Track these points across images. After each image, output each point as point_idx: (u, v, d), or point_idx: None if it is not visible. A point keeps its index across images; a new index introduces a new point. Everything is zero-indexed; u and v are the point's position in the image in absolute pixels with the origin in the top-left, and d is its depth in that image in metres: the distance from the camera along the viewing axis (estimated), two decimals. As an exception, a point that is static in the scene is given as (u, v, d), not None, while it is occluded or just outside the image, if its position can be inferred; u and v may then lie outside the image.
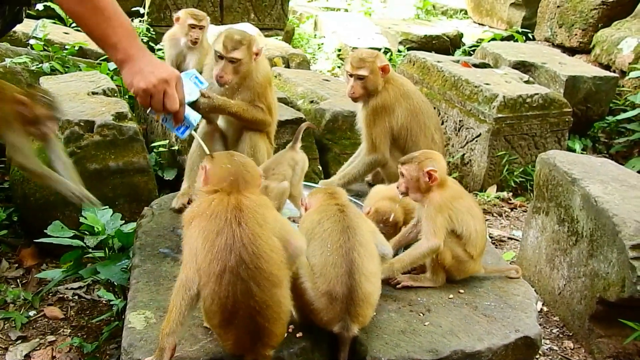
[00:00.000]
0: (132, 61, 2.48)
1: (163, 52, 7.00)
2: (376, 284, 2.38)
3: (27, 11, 3.12)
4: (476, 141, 5.57)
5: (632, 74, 6.66)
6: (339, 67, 9.11)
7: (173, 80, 2.52)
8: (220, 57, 3.07)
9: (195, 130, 2.79)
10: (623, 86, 6.90)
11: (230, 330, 2.12)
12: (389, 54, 9.19)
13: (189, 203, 3.16)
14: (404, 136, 3.65)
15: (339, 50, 9.53)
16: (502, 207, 5.29)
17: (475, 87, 5.68)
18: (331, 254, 2.31)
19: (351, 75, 3.55)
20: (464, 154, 5.73)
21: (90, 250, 3.30)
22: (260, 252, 2.08)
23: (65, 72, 5.38)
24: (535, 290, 3.92)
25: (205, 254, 2.10)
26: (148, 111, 2.62)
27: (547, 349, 3.54)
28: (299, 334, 2.36)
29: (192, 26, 4.27)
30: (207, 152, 2.88)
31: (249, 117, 3.26)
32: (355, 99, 3.61)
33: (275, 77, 5.90)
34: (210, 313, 2.13)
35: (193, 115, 2.70)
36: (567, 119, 5.73)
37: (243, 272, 2.05)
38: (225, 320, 2.10)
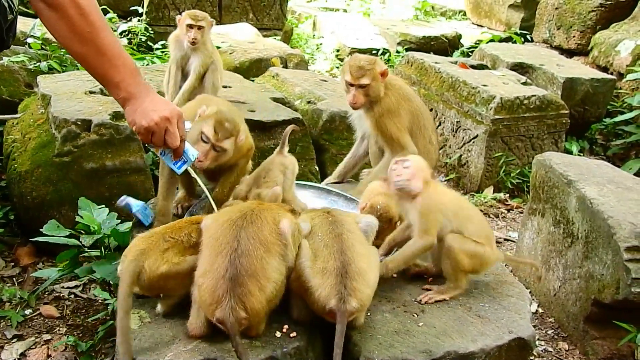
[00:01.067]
0: (134, 99, 2.51)
1: (162, 52, 7.04)
2: (370, 265, 2.40)
3: (25, 10, 3.13)
4: (473, 142, 5.58)
5: (630, 76, 6.67)
6: (337, 67, 9.11)
7: (175, 117, 2.56)
8: (205, 141, 2.84)
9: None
10: (620, 88, 6.92)
11: (211, 275, 2.20)
12: (387, 54, 9.20)
13: (187, 208, 3.16)
14: None
15: (338, 50, 9.54)
16: (499, 208, 5.30)
17: (473, 88, 5.69)
18: (322, 239, 2.41)
19: (352, 85, 3.47)
20: (461, 155, 5.74)
21: (86, 249, 3.30)
22: (258, 216, 2.34)
23: (63, 71, 5.38)
24: (530, 292, 3.95)
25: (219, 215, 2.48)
26: (148, 145, 2.66)
27: (541, 350, 3.55)
28: (293, 334, 2.36)
29: (190, 26, 4.25)
30: (203, 187, 2.90)
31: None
32: (357, 108, 3.56)
33: (273, 77, 5.91)
34: (201, 259, 2.30)
35: (192, 151, 2.72)
36: (564, 121, 5.74)
37: (239, 221, 2.30)
38: (210, 263, 2.23)
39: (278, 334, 2.34)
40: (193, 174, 2.89)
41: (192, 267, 2.37)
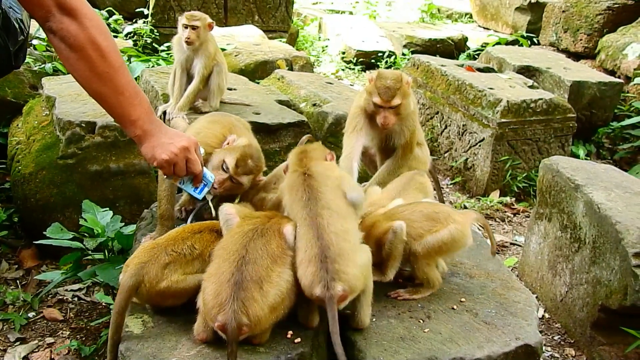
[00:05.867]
0: (150, 136, 2.55)
1: (167, 54, 7.03)
2: (353, 242, 2.33)
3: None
4: (479, 146, 5.55)
5: (637, 80, 6.63)
6: (342, 69, 9.10)
7: (192, 146, 2.61)
8: (225, 170, 2.84)
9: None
10: (628, 92, 6.88)
11: (216, 279, 2.20)
12: (393, 57, 9.19)
13: (191, 211, 3.14)
14: None
15: (343, 53, 9.53)
16: (505, 212, 5.27)
17: (479, 91, 5.66)
18: (301, 226, 2.36)
19: (382, 107, 3.34)
20: (467, 159, 5.71)
21: (89, 252, 3.29)
22: (268, 230, 2.35)
23: (68, 73, 5.37)
24: (537, 297, 3.92)
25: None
26: (165, 177, 2.70)
27: (548, 356, 3.52)
28: (297, 340, 2.33)
29: (185, 26, 4.25)
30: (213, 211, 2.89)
31: None
32: (387, 128, 3.42)
33: (278, 79, 5.89)
34: (209, 266, 2.30)
35: (209, 174, 2.76)
36: (571, 125, 5.70)
37: (249, 233, 2.33)
38: (216, 268, 2.24)
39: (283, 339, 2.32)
40: (210, 203, 2.90)
41: (191, 286, 2.39)
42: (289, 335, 2.34)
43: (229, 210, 2.52)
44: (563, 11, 8.87)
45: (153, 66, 6.25)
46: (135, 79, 5.62)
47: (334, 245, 2.26)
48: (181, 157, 2.56)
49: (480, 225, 3.04)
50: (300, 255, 2.30)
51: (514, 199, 5.44)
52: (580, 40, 8.51)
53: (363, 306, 2.40)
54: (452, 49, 9.78)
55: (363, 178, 4.19)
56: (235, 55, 6.73)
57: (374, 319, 2.49)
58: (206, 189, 2.75)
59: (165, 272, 2.38)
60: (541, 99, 5.54)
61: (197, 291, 2.35)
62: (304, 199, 2.41)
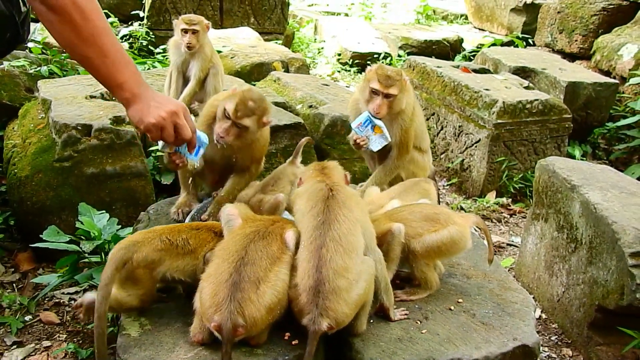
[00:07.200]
0: (139, 99, 2.51)
1: (163, 56, 7.03)
2: (352, 279, 2.28)
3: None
4: (475, 147, 5.55)
5: (632, 81, 6.65)
6: (338, 71, 9.11)
7: (181, 111, 2.57)
8: (227, 117, 2.90)
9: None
10: (623, 92, 6.89)
11: (214, 279, 2.22)
12: (389, 58, 9.19)
13: (188, 213, 3.14)
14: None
15: (339, 54, 9.53)
16: (501, 213, 5.27)
17: (475, 92, 5.66)
18: (305, 248, 2.34)
19: (378, 93, 3.42)
20: (463, 160, 5.71)
21: (86, 255, 3.28)
22: (270, 233, 2.38)
23: (63, 76, 5.37)
24: (534, 297, 3.92)
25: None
26: (161, 146, 2.69)
27: (545, 357, 3.52)
28: (294, 342, 2.34)
29: (184, 31, 4.25)
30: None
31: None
32: (380, 117, 3.49)
33: (274, 81, 5.89)
34: (209, 267, 2.31)
35: (203, 135, 2.77)
36: (566, 125, 5.71)
37: (251, 235, 2.35)
38: (215, 268, 2.25)
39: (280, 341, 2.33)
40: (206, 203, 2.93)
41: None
42: (286, 337, 2.35)
43: (231, 211, 2.51)
44: (558, 12, 8.89)
45: (149, 68, 6.25)
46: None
47: (330, 282, 2.23)
48: (169, 121, 2.51)
49: (478, 228, 3.05)
50: (297, 278, 2.29)
51: (510, 199, 5.45)
52: (576, 41, 8.54)
53: (361, 317, 2.41)
54: (447, 50, 9.80)
55: (360, 179, 4.19)
56: (231, 57, 6.73)
57: (371, 320, 2.49)
58: (202, 150, 2.74)
59: (154, 258, 2.40)
60: (537, 99, 5.55)
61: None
62: (319, 219, 2.36)
